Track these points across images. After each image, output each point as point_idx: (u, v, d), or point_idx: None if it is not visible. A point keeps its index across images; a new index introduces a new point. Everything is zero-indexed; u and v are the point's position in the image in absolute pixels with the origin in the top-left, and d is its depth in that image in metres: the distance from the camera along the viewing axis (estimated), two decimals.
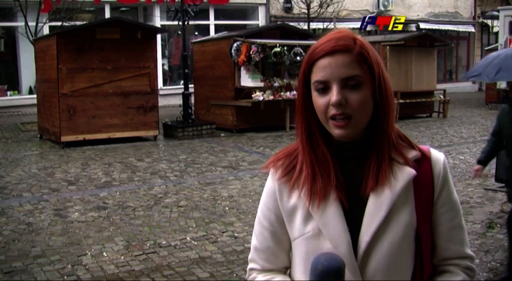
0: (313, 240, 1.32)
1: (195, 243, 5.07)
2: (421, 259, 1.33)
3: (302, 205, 1.35)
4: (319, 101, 1.29)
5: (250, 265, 1.48)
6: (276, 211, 1.41)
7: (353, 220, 1.31)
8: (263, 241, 1.44)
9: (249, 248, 1.52)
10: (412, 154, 1.36)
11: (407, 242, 1.31)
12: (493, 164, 7.25)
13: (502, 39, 16.74)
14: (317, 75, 1.29)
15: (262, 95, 12.06)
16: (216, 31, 18.13)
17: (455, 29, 23.91)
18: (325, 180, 1.33)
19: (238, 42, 12.08)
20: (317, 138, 1.35)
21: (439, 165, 1.37)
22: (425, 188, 1.35)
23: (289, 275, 1.44)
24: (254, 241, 1.47)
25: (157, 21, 17.62)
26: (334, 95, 1.26)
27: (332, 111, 1.27)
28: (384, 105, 1.32)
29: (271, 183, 1.43)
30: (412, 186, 1.33)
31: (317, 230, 1.32)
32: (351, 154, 1.35)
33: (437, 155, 1.40)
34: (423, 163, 1.36)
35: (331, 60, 1.27)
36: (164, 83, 18.25)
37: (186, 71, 12.58)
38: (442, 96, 15.20)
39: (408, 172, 1.32)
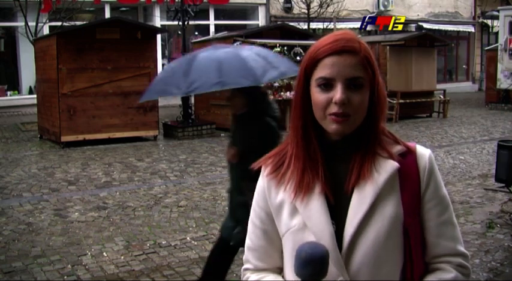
0: (299, 234, 1.34)
1: (195, 243, 5.07)
2: (410, 254, 1.32)
3: (288, 199, 1.37)
4: (319, 97, 1.31)
5: (244, 266, 1.49)
6: (266, 208, 1.43)
7: (339, 215, 1.33)
8: (256, 240, 1.46)
9: None
10: (396, 148, 1.38)
11: (394, 236, 1.31)
12: (493, 164, 7.27)
13: (502, 39, 16.76)
14: (322, 72, 1.30)
15: None
16: (216, 31, 18.13)
17: (455, 29, 23.92)
18: (313, 175, 1.35)
19: (238, 42, 12.08)
20: (310, 134, 1.37)
21: (424, 159, 1.38)
22: (411, 182, 1.35)
23: (283, 276, 1.44)
24: (247, 241, 1.49)
25: (157, 21, 17.63)
26: (339, 94, 1.28)
27: (333, 109, 1.29)
28: (377, 108, 1.35)
29: (261, 181, 1.46)
30: (397, 180, 1.34)
31: (302, 224, 1.34)
32: (339, 151, 1.37)
33: (423, 150, 1.41)
34: (408, 157, 1.37)
35: (339, 59, 1.30)
36: None
37: None
38: (442, 96, 15.20)
39: (391, 165, 1.34)
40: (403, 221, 1.32)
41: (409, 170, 1.36)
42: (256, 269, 1.45)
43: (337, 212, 1.33)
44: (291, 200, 1.36)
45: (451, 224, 1.39)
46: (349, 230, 1.30)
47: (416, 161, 1.38)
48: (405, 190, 1.34)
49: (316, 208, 1.33)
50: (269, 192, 1.42)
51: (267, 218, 1.43)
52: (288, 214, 1.37)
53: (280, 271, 1.45)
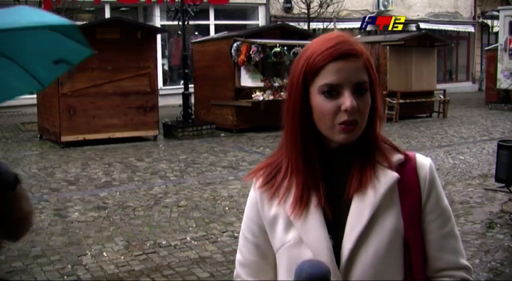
0: (295, 249, 1.28)
1: (195, 243, 5.08)
2: (410, 268, 1.27)
3: (283, 213, 1.31)
4: (326, 105, 1.23)
5: None
6: (259, 221, 1.37)
7: (337, 229, 1.27)
8: (247, 255, 1.40)
9: None
10: (396, 157, 1.32)
11: (394, 250, 1.26)
12: (493, 164, 7.27)
13: (502, 39, 16.76)
14: (327, 78, 1.23)
15: (262, 95, 12.06)
16: (216, 31, 18.13)
17: (455, 29, 23.91)
18: (312, 188, 1.29)
19: (238, 42, 12.08)
20: (310, 145, 1.30)
21: (424, 169, 1.32)
22: (411, 193, 1.30)
23: None
24: (238, 256, 1.43)
25: (157, 21, 17.62)
26: (349, 101, 1.21)
27: (343, 117, 1.22)
28: (375, 113, 1.30)
29: (252, 193, 1.39)
30: (397, 191, 1.29)
31: (298, 239, 1.28)
32: (337, 159, 1.31)
33: (423, 160, 1.34)
34: (408, 167, 1.31)
35: (345, 64, 1.23)
36: (164, 83, 18.24)
37: (186, 71, 12.58)
38: (442, 96, 15.20)
39: (391, 176, 1.28)
40: (403, 234, 1.27)
41: (409, 180, 1.30)
42: None
43: (335, 226, 1.27)
44: (287, 215, 1.29)
45: (453, 236, 1.33)
46: (347, 245, 1.24)
47: (417, 171, 1.32)
48: (405, 202, 1.29)
49: (312, 222, 1.26)
50: (262, 205, 1.35)
51: (259, 231, 1.37)
52: (282, 228, 1.30)
53: None
